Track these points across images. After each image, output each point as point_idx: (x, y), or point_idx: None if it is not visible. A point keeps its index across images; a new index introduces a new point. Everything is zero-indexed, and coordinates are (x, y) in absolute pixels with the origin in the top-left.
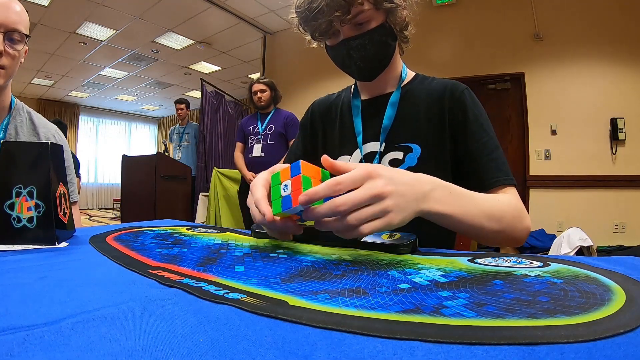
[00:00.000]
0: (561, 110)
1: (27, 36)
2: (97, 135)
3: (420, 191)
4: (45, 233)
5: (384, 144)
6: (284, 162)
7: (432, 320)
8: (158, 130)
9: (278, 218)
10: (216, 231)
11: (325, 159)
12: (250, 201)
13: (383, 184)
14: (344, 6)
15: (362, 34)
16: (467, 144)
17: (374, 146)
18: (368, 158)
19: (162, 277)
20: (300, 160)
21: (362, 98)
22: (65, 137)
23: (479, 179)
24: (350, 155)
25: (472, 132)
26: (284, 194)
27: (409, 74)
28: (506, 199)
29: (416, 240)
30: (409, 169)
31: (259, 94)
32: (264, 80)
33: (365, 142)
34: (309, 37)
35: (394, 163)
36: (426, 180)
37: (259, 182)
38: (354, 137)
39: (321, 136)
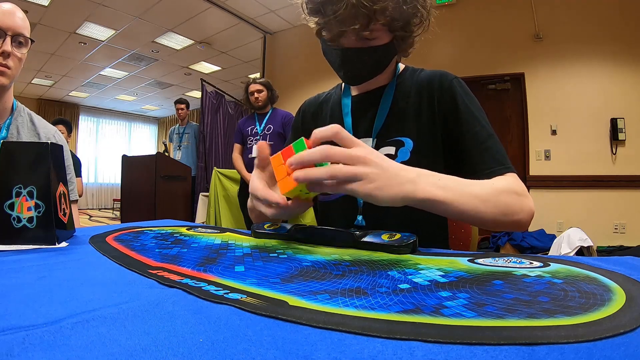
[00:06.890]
0: (561, 110)
1: (32, 41)
2: (97, 135)
3: (406, 176)
4: (45, 233)
5: (375, 140)
6: None
7: (432, 320)
8: (158, 130)
9: (289, 202)
10: (216, 231)
11: (331, 128)
12: (253, 198)
13: (369, 152)
14: (364, 19)
15: (365, 49)
16: (458, 134)
17: (365, 143)
18: None
19: (162, 277)
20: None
21: (353, 94)
22: (70, 135)
23: (472, 171)
24: None
25: (464, 122)
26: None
27: (399, 67)
28: (503, 183)
29: (416, 240)
30: (402, 163)
31: (255, 94)
32: (260, 80)
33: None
34: (308, 18)
35: None
36: (411, 169)
37: (255, 179)
38: None
39: None
